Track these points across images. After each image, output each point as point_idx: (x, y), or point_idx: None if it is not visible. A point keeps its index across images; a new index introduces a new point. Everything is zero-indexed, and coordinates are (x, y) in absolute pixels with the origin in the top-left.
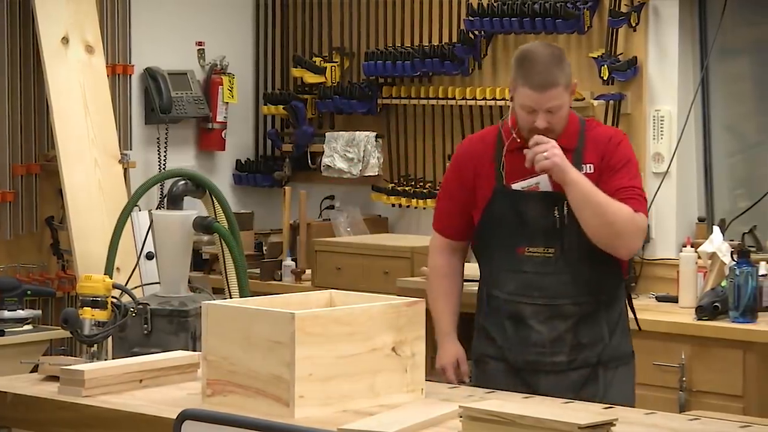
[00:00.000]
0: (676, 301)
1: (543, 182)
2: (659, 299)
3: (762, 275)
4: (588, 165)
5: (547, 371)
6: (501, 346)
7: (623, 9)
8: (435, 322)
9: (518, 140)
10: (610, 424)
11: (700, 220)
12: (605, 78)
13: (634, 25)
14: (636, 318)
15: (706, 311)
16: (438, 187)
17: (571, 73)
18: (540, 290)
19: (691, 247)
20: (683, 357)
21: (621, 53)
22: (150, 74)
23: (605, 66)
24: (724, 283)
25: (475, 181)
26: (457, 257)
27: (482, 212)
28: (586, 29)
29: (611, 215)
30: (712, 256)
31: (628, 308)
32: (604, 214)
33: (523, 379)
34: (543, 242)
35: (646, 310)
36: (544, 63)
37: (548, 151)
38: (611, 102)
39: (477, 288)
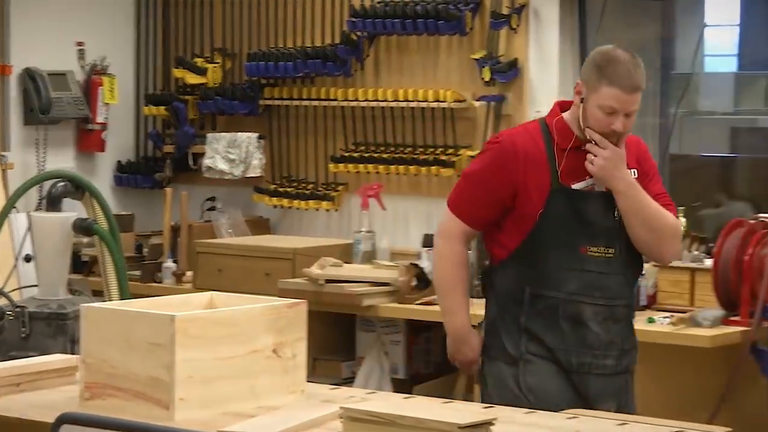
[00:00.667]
0: None
1: (598, 183)
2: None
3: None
4: (632, 170)
5: (597, 374)
6: (552, 347)
7: (504, 11)
8: (454, 313)
9: (578, 140)
10: (489, 423)
11: None
12: (486, 79)
13: (515, 27)
14: None
15: None
16: (320, 188)
17: None
18: (601, 290)
19: None
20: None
21: (502, 55)
22: (29, 74)
23: (486, 67)
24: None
25: (524, 177)
26: (467, 247)
27: (539, 211)
28: (467, 31)
29: (660, 224)
30: None
31: None
32: (653, 224)
33: (573, 381)
34: (604, 242)
35: None
36: (632, 65)
37: (598, 156)
38: (492, 103)
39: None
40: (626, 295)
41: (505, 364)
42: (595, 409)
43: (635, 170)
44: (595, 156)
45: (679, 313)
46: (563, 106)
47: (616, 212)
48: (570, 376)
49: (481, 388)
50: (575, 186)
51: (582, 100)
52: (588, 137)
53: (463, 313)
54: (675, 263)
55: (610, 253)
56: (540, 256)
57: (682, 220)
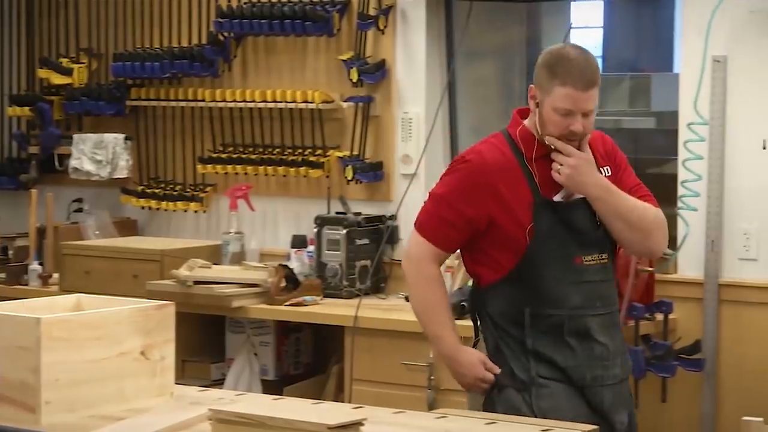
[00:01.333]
0: None
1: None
2: (408, 299)
3: None
4: (605, 168)
5: (608, 385)
6: (563, 367)
7: (371, 12)
8: (440, 337)
9: (544, 147)
10: (359, 423)
11: None
12: (354, 80)
13: (382, 28)
14: None
15: (453, 310)
16: (188, 189)
17: None
18: (601, 299)
19: None
20: (431, 356)
21: (370, 56)
22: None
23: (354, 68)
24: (470, 283)
25: (501, 194)
26: (439, 268)
27: (528, 228)
28: (335, 32)
29: (642, 221)
30: (459, 256)
31: None
32: (636, 223)
33: (586, 397)
34: (597, 249)
35: (396, 309)
36: (584, 61)
37: (564, 165)
38: (360, 104)
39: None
40: (616, 300)
41: (516, 390)
42: (610, 422)
43: (607, 168)
44: (561, 165)
45: None
46: (522, 113)
47: (598, 217)
48: (583, 392)
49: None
50: (555, 198)
51: (537, 105)
52: (549, 144)
53: (447, 337)
54: None
55: (604, 259)
56: (537, 274)
57: None
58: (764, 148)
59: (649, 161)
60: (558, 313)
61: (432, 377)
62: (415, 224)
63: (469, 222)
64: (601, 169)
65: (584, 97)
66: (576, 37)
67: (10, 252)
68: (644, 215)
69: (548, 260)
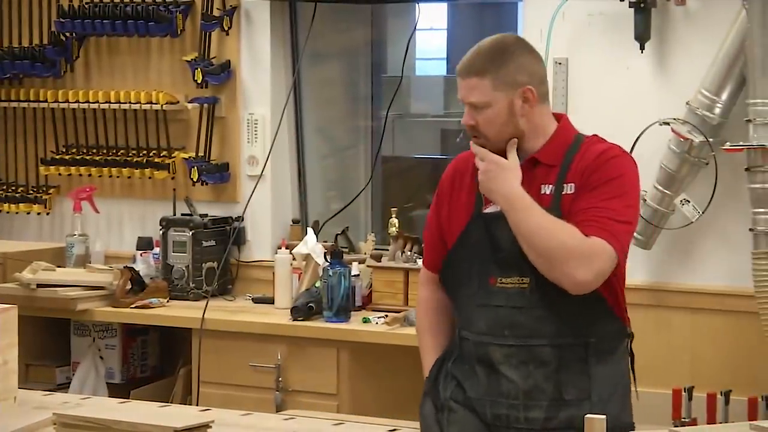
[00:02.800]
0: (273, 302)
1: None
2: (255, 301)
3: (354, 275)
4: (569, 185)
5: (520, 428)
6: (470, 396)
7: (216, 13)
8: (422, 360)
9: None
10: (206, 426)
11: (294, 221)
12: (199, 81)
13: (227, 28)
14: (635, 381)
15: (300, 311)
16: (31, 191)
17: (526, 77)
18: (511, 328)
19: (286, 248)
20: (279, 357)
21: (214, 57)
22: None
23: (199, 69)
24: (318, 284)
25: (451, 206)
26: (436, 290)
27: (454, 241)
28: (179, 32)
29: (545, 245)
30: (307, 257)
31: (630, 370)
32: (537, 245)
33: None
34: (517, 271)
35: (243, 311)
36: (477, 49)
37: (479, 170)
38: (205, 105)
39: None
40: (551, 333)
41: (436, 408)
42: None
43: (572, 185)
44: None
45: (393, 313)
46: None
47: None
48: (491, 429)
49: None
50: (487, 210)
51: None
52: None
53: (426, 361)
54: (388, 263)
55: (524, 284)
56: (456, 292)
57: (394, 221)
58: None
59: None
60: (468, 336)
61: (280, 379)
62: None
63: (441, 235)
64: (564, 185)
65: (461, 85)
66: (421, 39)
67: None
68: (549, 240)
69: (463, 277)
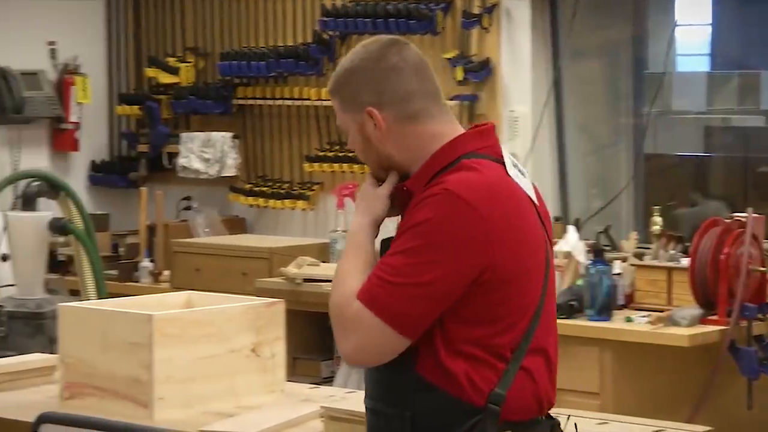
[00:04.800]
0: None
1: None
2: None
3: (616, 274)
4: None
5: None
6: None
7: (476, 11)
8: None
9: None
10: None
11: (556, 219)
12: (459, 79)
13: (486, 26)
14: None
15: (562, 309)
16: (296, 188)
17: (372, 96)
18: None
19: None
20: None
21: (474, 54)
22: (1, 74)
23: (459, 67)
24: (579, 282)
25: None
26: None
27: None
28: (439, 30)
29: (331, 295)
30: (568, 255)
31: None
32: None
33: None
34: None
35: None
36: (341, 61)
37: None
38: (465, 103)
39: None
40: (368, 394)
41: None
42: None
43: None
44: None
45: (656, 312)
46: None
47: None
48: None
49: None
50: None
51: None
52: None
53: None
54: (651, 262)
55: None
56: None
57: (657, 219)
58: None
59: (759, 160)
60: None
61: None
62: None
63: None
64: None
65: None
66: (682, 35)
67: (121, 249)
68: (332, 294)
69: None
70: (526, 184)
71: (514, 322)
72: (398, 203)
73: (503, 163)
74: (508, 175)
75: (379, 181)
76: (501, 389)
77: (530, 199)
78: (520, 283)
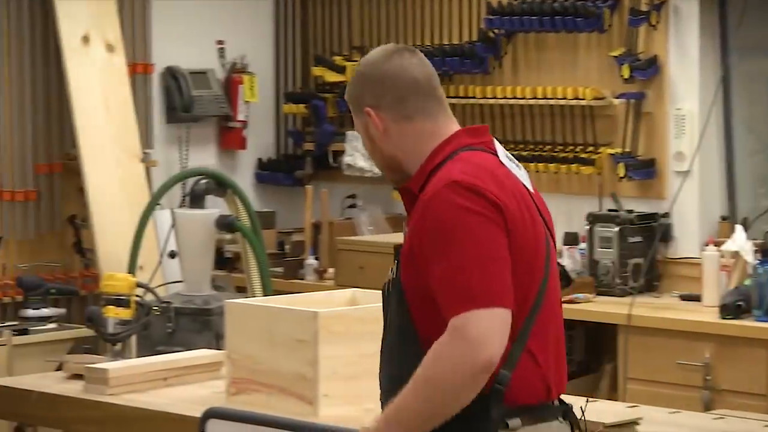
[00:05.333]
0: (700, 300)
1: None
2: (683, 298)
3: None
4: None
5: None
6: None
7: (643, 8)
8: None
9: None
10: (634, 422)
11: (723, 218)
12: (626, 77)
13: (654, 23)
14: None
15: (729, 310)
16: None
17: (370, 98)
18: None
19: (714, 245)
20: (707, 356)
21: (641, 52)
22: (170, 73)
23: (626, 65)
24: (747, 282)
25: None
26: None
27: None
28: (606, 28)
29: (413, 420)
30: (735, 254)
31: None
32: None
33: None
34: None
35: (670, 308)
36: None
37: None
38: (632, 101)
39: None
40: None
41: None
42: None
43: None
44: None
45: None
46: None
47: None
48: None
49: None
50: None
51: None
52: None
53: None
54: None
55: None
56: None
57: None
58: None
59: None
60: None
61: (708, 377)
62: None
63: None
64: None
65: None
66: None
67: (287, 247)
68: (415, 413)
69: None
70: (521, 174)
71: (517, 301)
72: (405, 203)
73: (497, 156)
74: (503, 164)
75: (389, 181)
76: (506, 370)
77: (525, 187)
78: (525, 259)
